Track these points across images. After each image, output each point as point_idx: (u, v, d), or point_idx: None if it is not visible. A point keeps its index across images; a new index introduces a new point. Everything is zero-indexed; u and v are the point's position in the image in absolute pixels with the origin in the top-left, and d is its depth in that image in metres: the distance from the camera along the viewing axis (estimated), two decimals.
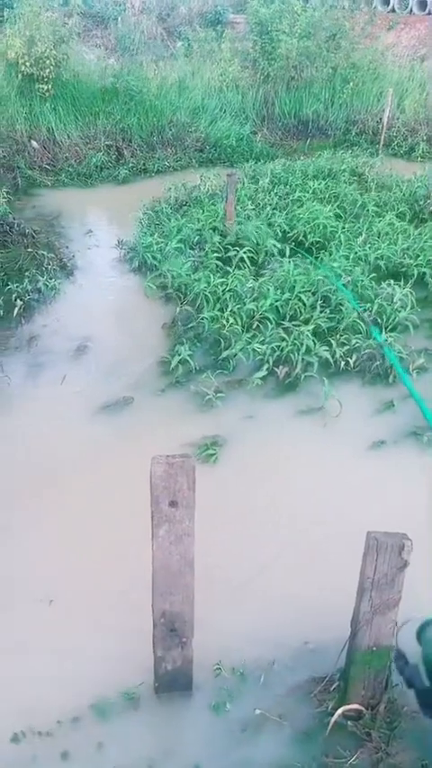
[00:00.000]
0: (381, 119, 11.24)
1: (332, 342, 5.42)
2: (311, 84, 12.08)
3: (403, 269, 6.68)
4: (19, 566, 3.58)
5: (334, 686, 2.96)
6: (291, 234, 7.21)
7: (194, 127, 10.86)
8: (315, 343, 5.36)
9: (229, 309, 5.75)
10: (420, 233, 7.32)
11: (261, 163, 9.93)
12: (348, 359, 5.34)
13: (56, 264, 6.82)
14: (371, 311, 5.84)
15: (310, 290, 6.04)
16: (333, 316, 5.78)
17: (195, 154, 10.53)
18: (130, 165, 9.88)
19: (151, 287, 6.39)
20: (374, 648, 2.70)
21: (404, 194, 8.44)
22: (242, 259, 6.59)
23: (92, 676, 3.03)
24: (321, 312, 5.77)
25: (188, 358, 5.26)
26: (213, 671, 3.06)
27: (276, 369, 5.22)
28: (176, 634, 2.77)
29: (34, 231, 7.42)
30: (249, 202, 7.91)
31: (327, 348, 5.34)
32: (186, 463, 2.44)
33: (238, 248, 6.69)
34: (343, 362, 5.32)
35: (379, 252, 6.81)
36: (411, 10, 16.64)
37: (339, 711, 2.79)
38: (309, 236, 7.14)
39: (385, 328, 5.70)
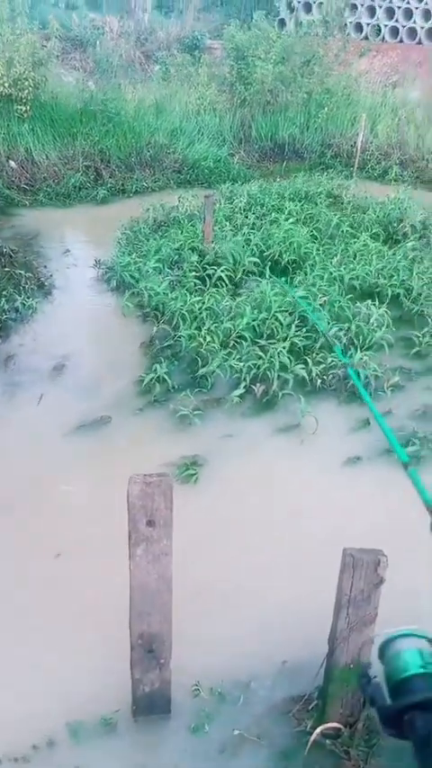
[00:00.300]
0: (355, 142, 11.49)
1: (308, 360, 5.49)
2: (287, 108, 12.33)
3: (378, 289, 6.81)
4: None
5: (312, 705, 2.96)
6: (267, 253, 7.32)
7: (172, 148, 10.99)
8: (291, 361, 5.42)
9: (206, 328, 5.80)
10: (394, 254, 7.48)
11: (238, 184, 10.06)
12: (324, 377, 5.40)
13: (33, 284, 6.82)
14: (348, 330, 5.93)
15: (286, 310, 6.12)
16: (309, 335, 5.86)
17: (173, 175, 10.64)
18: (109, 185, 9.95)
19: (128, 306, 6.42)
20: (352, 666, 2.71)
21: (378, 216, 8.62)
22: (220, 278, 6.66)
23: (68, 700, 2.99)
24: (298, 331, 5.85)
25: (165, 376, 5.28)
26: (192, 692, 3.04)
27: (254, 387, 5.26)
28: (154, 655, 2.76)
29: (12, 251, 7.42)
30: (227, 223, 8.01)
31: (303, 366, 5.41)
32: (164, 482, 2.45)
33: (215, 267, 6.77)
34: (319, 381, 5.39)
35: (354, 272, 6.94)
36: (384, 38, 17.14)
37: (318, 730, 2.79)
38: (284, 256, 7.24)
39: (361, 348, 5.79)
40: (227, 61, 12.52)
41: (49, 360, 5.67)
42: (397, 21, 17.34)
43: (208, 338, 5.63)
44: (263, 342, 5.67)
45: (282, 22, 17.14)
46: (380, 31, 17.38)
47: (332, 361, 5.52)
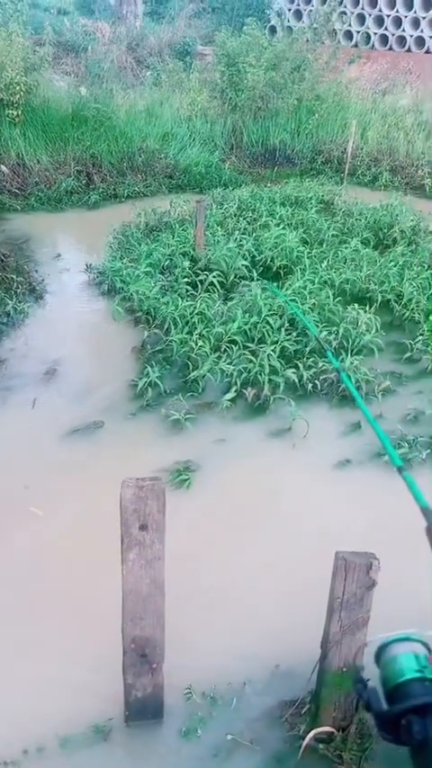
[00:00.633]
0: (345, 149, 11.58)
1: (299, 364, 5.52)
2: (278, 114, 12.41)
3: (368, 294, 6.85)
4: None
5: (305, 709, 2.95)
6: (259, 258, 7.35)
7: (164, 154, 11.03)
8: (282, 365, 5.44)
9: (197, 332, 5.81)
10: (385, 259, 7.52)
11: (230, 189, 10.12)
12: (316, 381, 5.43)
13: (25, 288, 6.81)
14: (336, 334, 5.96)
15: (277, 314, 6.15)
16: (300, 339, 5.89)
17: (165, 180, 10.67)
18: (101, 190, 9.96)
19: (119, 310, 6.42)
20: (344, 669, 2.71)
21: (368, 221, 8.68)
22: (212, 283, 6.68)
23: (59, 706, 2.97)
24: (288, 335, 5.87)
25: (158, 381, 5.29)
26: (184, 696, 3.04)
27: (245, 391, 5.27)
28: (147, 660, 2.75)
29: (3, 255, 7.40)
30: (219, 228, 8.04)
31: (294, 371, 5.43)
32: (156, 486, 2.45)
33: (207, 272, 6.78)
34: (310, 385, 5.41)
35: (344, 276, 6.98)
36: (373, 45, 17.32)
37: (311, 734, 2.79)
38: (276, 261, 7.28)
39: (351, 351, 5.82)
40: (218, 67, 12.60)
41: (41, 364, 5.65)
42: (386, 29, 17.53)
43: (199, 342, 5.64)
44: (254, 346, 5.68)
45: (272, 29, 17.26)
46: (369, 38, 17.55)
47: (323, 365, 5.55)
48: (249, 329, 5.92)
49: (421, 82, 14.88)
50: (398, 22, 17.37)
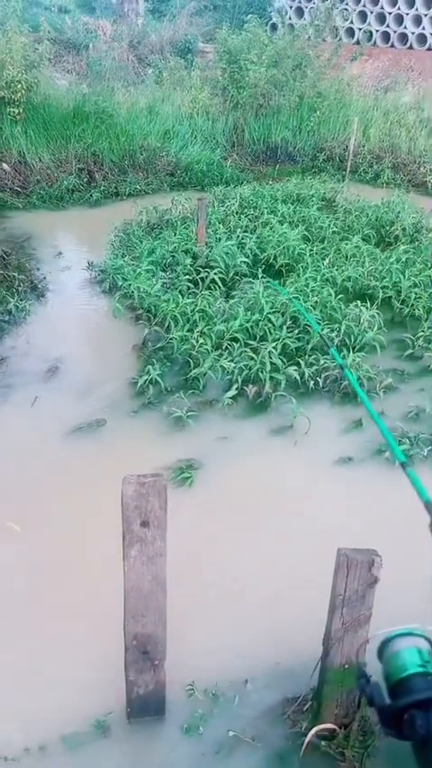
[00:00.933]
0: (347, 146, 11.55)
1: (301, 362, 5.51)
2: (279, 111, 12.38)
3: (370, 290, 6.84)
4: None
5: (307, 706, 2.95)
6: (261, 257, 7.33)
7: (165, 151, 11.01)
8: (283, 362, 5.43)
9: (198, 330, 5.80)
10: (387, 256, 7.51)
11: (231, 187, 10.10)
12: (318, 378, 5.42)
13: (27, 286, 6.81)
14: (338, 331, 5.95)
15: (279, 311, 6.14)
16: (301, 336, 5.88)
17: (166, 178, 10.66)
18: (102, 188, 9.95)
19: (119, 307, 6.42)
20: (346, 666, 2.71)
21: (370, 219, 8.66)
22: (213, 280, 6.67)
23: (61, 703, 2.97)
24: (290, 332, 5.86)
25: (158, 378, 5.28)
26: (186, 693, 3.03)
27: (246, 388, 5.26)
28: (149, 657, 2.75)
29: (5, 253, 7.40)
30: (220, 225, 8.03)
31: (296, 368, 5.42)
32: (158, 483, 2.44)
33: (209, 270, 6.78)
34: (312, 382, 5.40)
35: (346, 273, 6.96)
36: (375, 42, 17.28)
37: (313, 731, 2.79)
38: (278, 259, 7.27)
39: (352, 348, 5.81)
40: (219, 64, 12.57)
41: (43, 362, 5.65)
42: (388, 26, 17.50)
43: (200, 340, 5.63)
44: (255, 343, 5.67)
45: (273, 27, 17.22)
46: (371, 35, 17.51)
47: (324, 362, 5.54)
48: (251, 327, 5.91)
49: (423, 79, 14.85)
50: (400, 19, 17.33)
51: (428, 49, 16.71)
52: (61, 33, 14.73)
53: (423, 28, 16.80)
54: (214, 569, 3.71)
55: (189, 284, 6.62)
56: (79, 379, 5.52)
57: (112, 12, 18.81)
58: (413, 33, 17.05)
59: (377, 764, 2.75)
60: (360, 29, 17.82)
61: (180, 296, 6.31)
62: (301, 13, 18.98)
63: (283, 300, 6.22)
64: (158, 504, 2.46)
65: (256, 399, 5.24)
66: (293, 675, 3.08)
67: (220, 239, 7.44)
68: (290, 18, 18.66)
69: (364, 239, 7.99)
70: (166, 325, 5.97)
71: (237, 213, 8.56)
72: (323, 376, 5.44)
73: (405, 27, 17.16)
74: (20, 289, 6.65)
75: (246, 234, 7.72)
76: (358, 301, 6.44)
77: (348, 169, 11.36)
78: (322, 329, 5.89)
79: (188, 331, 5.83)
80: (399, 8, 17.27)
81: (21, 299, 6.43)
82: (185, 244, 7.34)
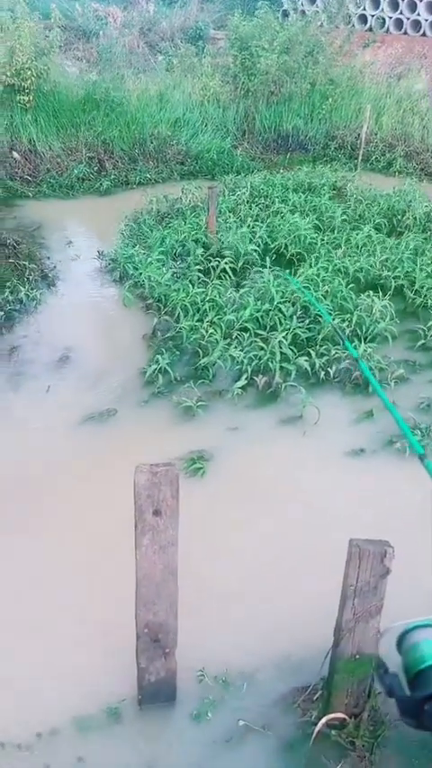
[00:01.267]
0: (359, 134, 11.42)
1: (311, 352, 5.48)
2: (291, 99, 12.25)
3: (381, 281, 6.78)
4: None
5: (317, 695, 2.96)
6: (272, 246, 7.29)
7: (176, 140, 10.94)
8: (294, 352, 5.41)
9: (208, 319, 5.78)
10: (398, 245, 7.44)
11: (242, 176, 10.03)
12: (328, 369, 5.39)
13: (37, 275, 6.81)
14: (350, 322, 5.91)
15: (290, 301, 6.10)
16: (312, 326, 5.84)
17: (177, 166, 10.59)
18: (112, 176, 9.91)
19: (129, 296, 6.40)
20: (357, 657, 2.71)
21: (382, 208, 8.58)
22: (223, 270, 6.64)
23: (73, 689, 3.00)
24: (301, 322, 5.83)
25: (168, 368, 5.27)
26: (197, 682, 3.05)
27: (256, 378, 5.25)
28: (160, 645, 2.76)
29: (15, 242, 7.39)
30: (231, 215, 7.98)
31: (306, 358, 5.39)
32: (170, 472, 2.44)
33: (219, 259, 6.74)
34: (323, 372, 5.37)
35: (358, 264, 6.91)
36: (388, 29, 17.04)
37: (323, 721, 2.79)
38: (289, 248, 7.22)
39: (364, 339, 5.77)
40: (230, 51, 12.42)
41: (54, 351, 5.65)
42: (401, 13, 17.24)
43: (210, 330, 5.61)
44: (265, 333, 5.64)
45: (285, 13, 17.03)
46: (384, 22, 17.27)
47: (336, 353, 5.51)
48: (261, 316, 5.89)
49: None
50: (413, 5, 17.06)
51: None
52: (72, 20, 14.61)
53: None
54: (226, 559, 3.71)
55: (200, 274, 6.59)
56: (90, 368, 5.53)
57: None
58: (427, 20, 16.78)
59: (387, 754, 2.76)
60: (373, 15, 17.57)
61: (190, 285, 6.29)
62: None
63: (294, 290, 6.18)
64: (170, 494, 2.46)
65: (266, 390, 5.22)
66: (304, 665, 3.09)
67: (230, 228, 7.39)
68: (302, 4, 18.42)
69: (375, 228, 7.92)
70: (176, 314, 5.96)
71: (247, 202, 8.50)
72: (334, 366, 5.41)
73: (418, 14, 16.90)
74: (30, 278, 6.65)
75: (256, 223, 7.67)
76: (370, 291, 6.39)
77: (360, 158, 11.24)
78: (333, 319, 5.86)
79: (198, 321, 5.81)
80: None
81: (31, 288, 6.43)
82: (196, 233, 7.31)
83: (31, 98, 9.81)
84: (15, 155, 9.74)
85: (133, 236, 7.73)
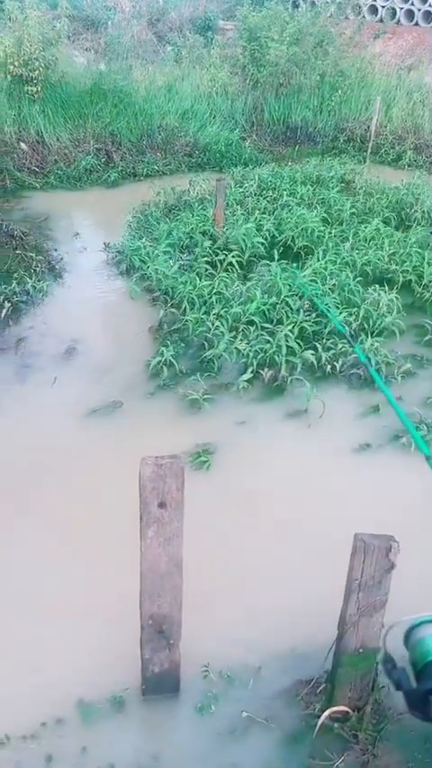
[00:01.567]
0: (369, 127, 11.34)
1: (318, 346, 5.46)
2: (300, 90, 12.16)
3: (389, 274, 6.74)
4: (3, 568, 3.56)
5: (321, 688, 2.97)
6: (279, 238, 7.25)
7: (183, 131, 10.88)
8: (300, 346, 5.39)
9: (214, 312, 5.77)
10: (407, 238, 7.39)
11: (250, 168, 9.98)
12: (335, 363, 5.37)
13: (44, 266, 6.80)
14: (357, 316, 5.89)
15: (297, 294, 6.08)
16: (319, 320, 5.82)
17: (184, 158, 10.54)
18: (120, 168, 9.87)
19: (136, 289, 6.39)
20: (361, 650, 2.71)
21: (390, 201, 8.52)
22: (230, 263, 6.61)
23: (77, 678, 3.01)
24: (307, 315, 5.81)
25: (173, 360, 5.27)
26: (201, 674, 3.06)
27: (261, 372, 5.24)
28: (164, 636, 2.77)
29: (22, 233, 7.39)
30: (239, 207, 7.95)
31: (313, 352, 5.38)
32: (175, 464, 2.44)
33: (227, 252, 6.72)
34: (329, 366, 5.36)
35: (366, 257, 6.87)
36: (399, 20, 16.86)
37: (326, 713, 2.80)
38: (297, 241, 7.18)
39: (371, 333, 5.74)
40: (239, 42, 12.34)
41: (60, 343, 5.66)
42: (413, 4, 17.04)
43: (216, 323, 5.60)
44: (272, 327, 5.62)
45: (295, 4, 16.87)
46: (395, 13, 17.09)
47: (342, 347, 5.49)
48: (268, 309, 5.87)
49: None
50: None
51: None
52: (80, 10, 14.51)
53: None
54: (230, 553, 3.72)
55: (207, 266, 6.57)
56: (96, 360, 5.53)
57: None
58: None
59: (390, 748, 2.76)
60: (383, 6, 17.38)
61: (197, 278, 6.27)
62: None
63: (302, 283, 6.16)
64: (176, 486, 2.46)
65: (271, 383, 5.21)
66: (307, 658, 3.09)
67: (237, 221, 7.36)
68: None
69: (384, 222, 7.87)
70: (183, 307, 5.94)
71: (255, 195, 8.46)
72: (341, 360, 5.40)
73: (430, 5, 16.71)
74: (37, 269, 6.65)
75: (264, 216, 7.64)
76: (377, 285, 6.36)
77: (369, 150, 11.16)
78: (340, 313, 5.84)
79: (204, 313, 5.80)
80: None
81: (38, 280, 6.43)
82: (203, 225, 7.29)
83: (39, 89, 9.77)
84: (23, 146, 9.72)
85: (140, 229, 7.72)
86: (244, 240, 6.93)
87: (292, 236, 7.23)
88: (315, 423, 4.87)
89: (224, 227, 7.15)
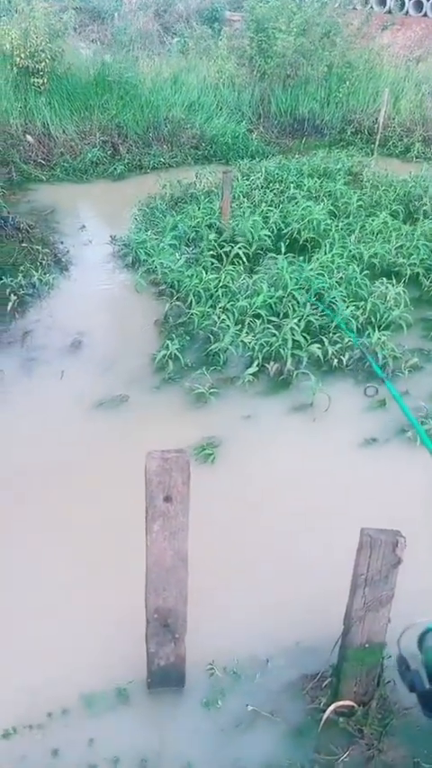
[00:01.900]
0: (377, 119, 11.24)
1: (324, 340, 5.43)
2: (307, 82, 12.06)
3: (396, 268, 6.70)
4: (11, 559, 3.56)
5: (326, 683, 2.96)
6: (286, 231, 7.21)
7: (190, 123, 10.82)
8: (306, 339, 5.37)
9: (220, 305, 5.75)
10: (413, 231, 7.33)
11: (257, 161, 9.93)
12: (341, 357, 5.35)
13: (50, 259, 6.80)
14: (364, 309, 5.85)
15: (303, 288, 6.05)
16: (326, 313, 5.79)
17: (191, 151, 10.49)
18: (126, 160, 9.84)
19: (141, 282, 6.38)
20: (367, 645, 2.71)
21: (398, 194, 8.45)
22: (237, 256, 6.58)
23: (84, 671, 3.02)
24: (314, 309, 5.78)
25: (178, 354, 5.25)
26: (206, 668, 3.06)
27: (267, 366, 5.22)
28: (169, 630, 2.77)
29: (29, 226, 7.37)
30: (245, 200, 7.91)
31: (319, 346, 5.35)
32: (181, 458, 2.44)
33: (233, 245, 6.69)
34: (335, 360, 5.33)
35: (373, 250, 6.82)
36: (407, 11, 16.68)
37: (331, 708, 2.80)
38: (303, 233, 7.14)
39: (378, 327, 5.71)
40: (247, 33, 12.23)
41: (66, 336, 5.65)
42: None
43: (222, 316, 5.58)
44: (278, 320, 5.60)
45: None
46: (404, 4, 16.90)
47: (349, 341, 5.46)
48: (274, 303, 5.84)
49: None
50: None
51: None
52: (86, 2, 14.45)
53: None
54: (234, 546, 3.71)
55: (213, 259, 6.54)
56: (102, 353, 5.52)
57: None
58: None
59: (395, 743, 2.76)
60: None
61: (203, 271, 6.25)
62: None
63: (308, 276, 6.12)
64: (181, 480, 2.46)
65: (277, 377, 5.19)
66: (313, 653, 3.09)
67: (244, 214, 7.32)
68: None
69: (391, 215, 7.81)
70: (189, 300, 5.92)
71: (262, 187, 8.42)
72: (347, 354, 5.37)
73: None
74: (43, 262, 6.64)
75: (270, 208, 7.59)
76: (384, 278, 6.32)
77: (377, 142, 11.07)
78: (347, 307, 5.81)
79: (210, 307, 5.78)
80: None
81: (44, 273, 6.42)
82: (210, 218, 7.25)
83: (45, 81, 9.74)
84: (29, 138, 9.69)
85: (146, 221, 7.69)
86: (251, 233, 6.90)
87: (299, 229, 7.18)
88: (320, 416, 4.86)
89: (231, 219, 7.11)
